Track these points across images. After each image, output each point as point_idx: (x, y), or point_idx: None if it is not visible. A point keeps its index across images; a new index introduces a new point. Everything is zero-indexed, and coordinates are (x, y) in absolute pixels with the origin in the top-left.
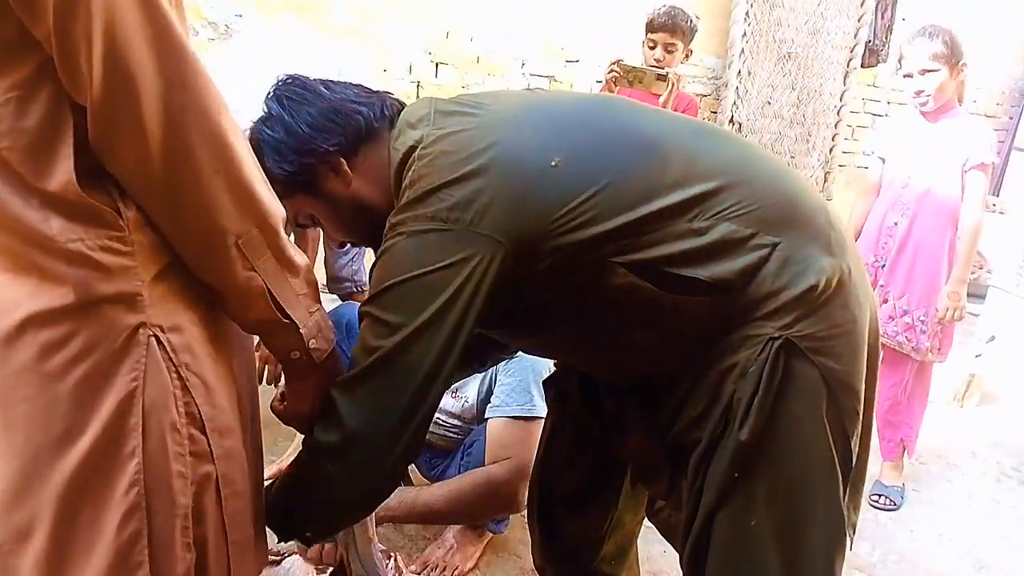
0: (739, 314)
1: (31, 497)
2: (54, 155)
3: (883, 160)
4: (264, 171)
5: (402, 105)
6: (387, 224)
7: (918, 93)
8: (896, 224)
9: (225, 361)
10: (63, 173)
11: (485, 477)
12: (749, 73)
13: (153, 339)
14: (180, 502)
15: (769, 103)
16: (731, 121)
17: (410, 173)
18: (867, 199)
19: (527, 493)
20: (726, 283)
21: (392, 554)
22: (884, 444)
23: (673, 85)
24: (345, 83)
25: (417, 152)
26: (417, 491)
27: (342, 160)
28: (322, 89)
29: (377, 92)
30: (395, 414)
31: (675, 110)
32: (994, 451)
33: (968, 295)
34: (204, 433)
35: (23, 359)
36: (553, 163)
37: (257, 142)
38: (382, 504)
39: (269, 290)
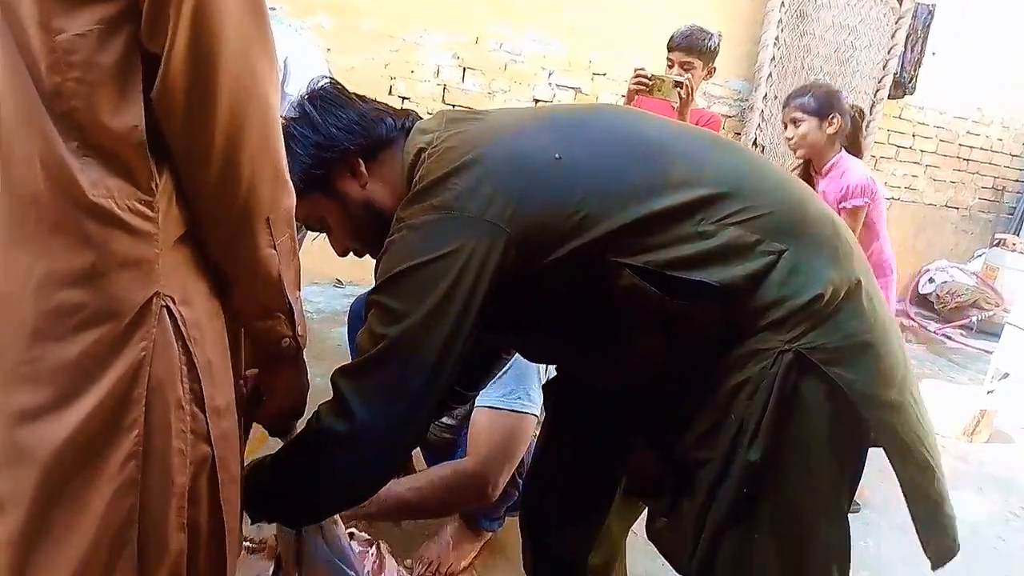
0: (745, 323)
1: (15, 466)
2: (125, 97)
3: None
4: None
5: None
6: (396, 215)
7: (788, 141)
8: None
9: (224, 339)
10: (133, 117)
11: (451, 469)
12: (775, 97)
13: (165, 310)
14: (177, 481)
15: None
16: (754, 143)
17: (420, 171)
18: None
19: (507, 491)
20: (733, 288)
21: (376, 542)
22: None
23: (688, 92)
24: (377, 100)
25: (427, 152)
26: (388, 486)
27: (360, 161)
28: (354, 97)
29: (404, 109)
30: (404, 402)
31: (696, 124)
32: (1001, 489)
33: (983, 332)
34: (204, 413)
35: (32, 319)
36: (556, 156)
37: (285, 139)
38: None
39: (279, 272)
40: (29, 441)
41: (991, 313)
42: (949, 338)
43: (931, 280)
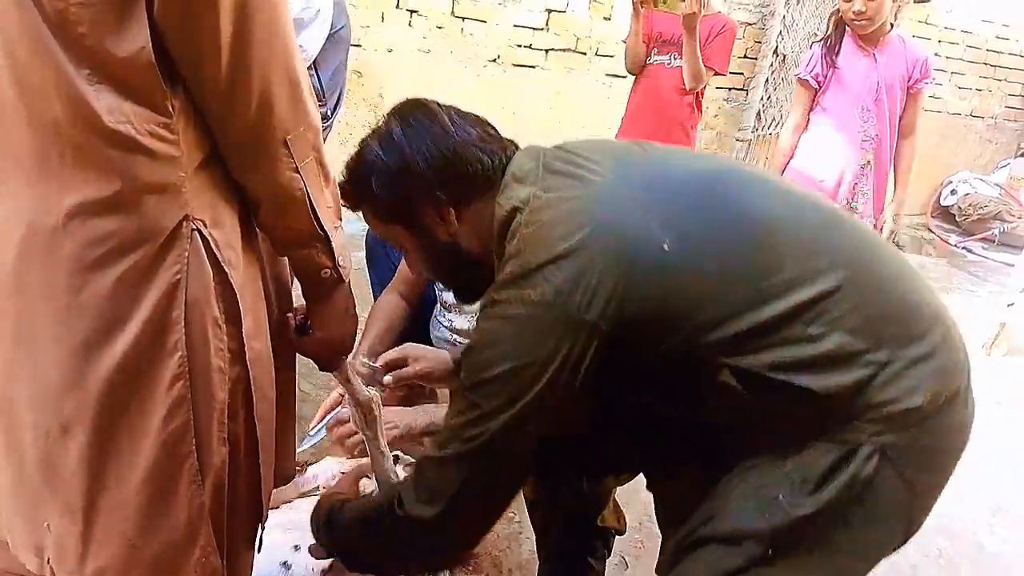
0: (836, 423)
1: (77, 389)
2: (129, 18)
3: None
4: (365, 190)
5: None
6: (490, 296)
7: (858, 15)
8: (869, 162)
9: (257, 261)
10: (139, 38)
11: None
12: (797, 1)
13: (196, 233)
14: (219, 397)
15: (816, 35)
16: (775, 52)
17: (514, 240)
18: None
19: None
20: (834, 397)
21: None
22: None
23: (692, 4)
24: (471, 118)
25: (522, 217)
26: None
27: (451, 209)
28: (447, 122)
29: (498, 137)
30: (491, 497)
31: (708, 33)
32: (1019, 401)
33: (1005, 244)
34: (240, 332)
35: (69, 250)
36: (664, 246)
37: (365, 157)
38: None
39: (308, 195)
40: (86, 367)
41: (1014, 225)
42: (970, 251)
43: (953, 192)
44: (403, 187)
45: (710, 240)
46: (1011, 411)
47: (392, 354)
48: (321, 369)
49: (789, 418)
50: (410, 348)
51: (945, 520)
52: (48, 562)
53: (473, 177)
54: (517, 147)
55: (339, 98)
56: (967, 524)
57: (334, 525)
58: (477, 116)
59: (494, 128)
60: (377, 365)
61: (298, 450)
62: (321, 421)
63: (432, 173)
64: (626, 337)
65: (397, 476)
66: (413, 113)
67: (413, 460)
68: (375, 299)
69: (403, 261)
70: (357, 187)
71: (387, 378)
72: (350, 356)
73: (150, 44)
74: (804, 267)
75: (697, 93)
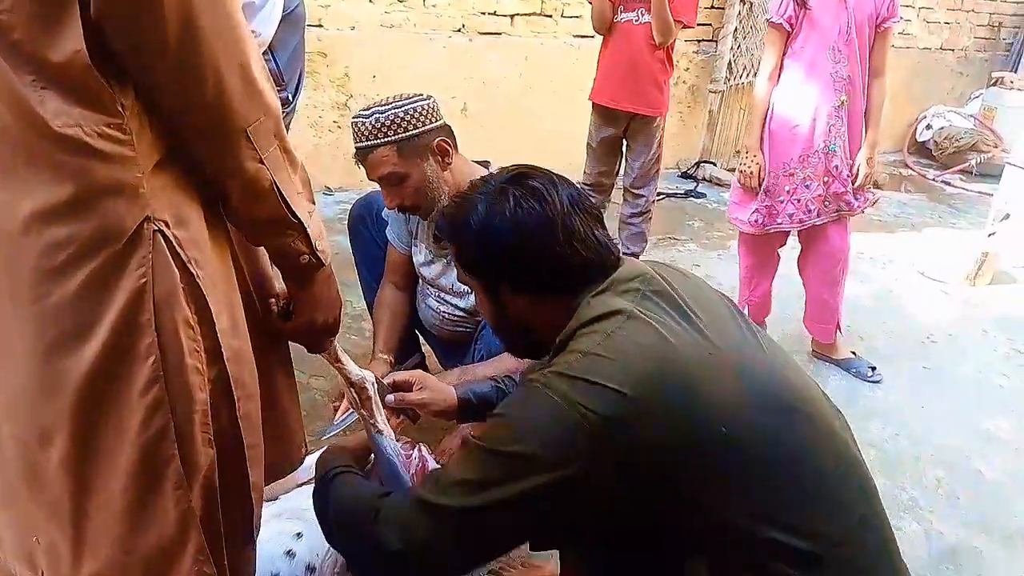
0: None
1: (52, 396)
2: (61, 22)
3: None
4: (459, 235)
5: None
6: (545, 376)
7: None
8: (843, 103)
9: (229, 257)
10: (73, 41)
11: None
12: None
13: (159, 234)
14: (199, 398)
15: None
16: (742, 1)
17: (594, 336)
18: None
19: None
20: None
21: (416, 445)
22: (822, 328)
23: None
24: (585, 208)
25: (608, 327)
26: (471, 371)
27: (529, 295)
28: (559, 211)
29: (606, 243)
30: (448, 564)
31: None
32: (1005, 329)
33: (982, 175)
34: (214, 331)
35: (31, 256)
36: (723, 429)
37: (470, 208)
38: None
39: (276, 184)
40: (59, 374)
41: (990, 155)
42: (949, 184)
43: (928, 127)
44: (493, 259)
45: (760, 459)
46: (996, 340)
47: (401, 376)
48: (309, 351)
49: None
50: (419, 375)
51: (940, 451)
52: (42, 574)
53: (562, 278)
54: (619, 257)
55: (299, 81)
56: (962, 454)
57: (328, 488)
58: (593, 208)
59: (603, 225)
60: (386, 382)
61: (323, 439)
62: (346, 412)
63: (523, 264)
64: (635, 495)
65: (399, 454)
66: (531, 192)
67: (408, 440)
68: (359, 275)
69: (390, 251)
70: (453, 227)
71: (390, 397)
72: (336, 338)
73: (85, 47)
74: (832, 529)
75: (667, 48)
